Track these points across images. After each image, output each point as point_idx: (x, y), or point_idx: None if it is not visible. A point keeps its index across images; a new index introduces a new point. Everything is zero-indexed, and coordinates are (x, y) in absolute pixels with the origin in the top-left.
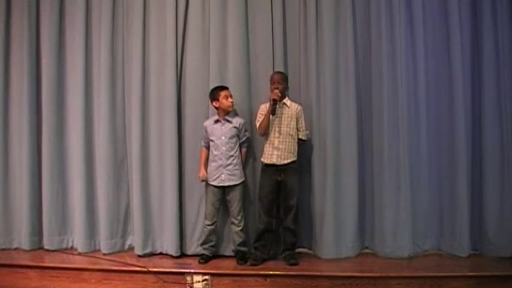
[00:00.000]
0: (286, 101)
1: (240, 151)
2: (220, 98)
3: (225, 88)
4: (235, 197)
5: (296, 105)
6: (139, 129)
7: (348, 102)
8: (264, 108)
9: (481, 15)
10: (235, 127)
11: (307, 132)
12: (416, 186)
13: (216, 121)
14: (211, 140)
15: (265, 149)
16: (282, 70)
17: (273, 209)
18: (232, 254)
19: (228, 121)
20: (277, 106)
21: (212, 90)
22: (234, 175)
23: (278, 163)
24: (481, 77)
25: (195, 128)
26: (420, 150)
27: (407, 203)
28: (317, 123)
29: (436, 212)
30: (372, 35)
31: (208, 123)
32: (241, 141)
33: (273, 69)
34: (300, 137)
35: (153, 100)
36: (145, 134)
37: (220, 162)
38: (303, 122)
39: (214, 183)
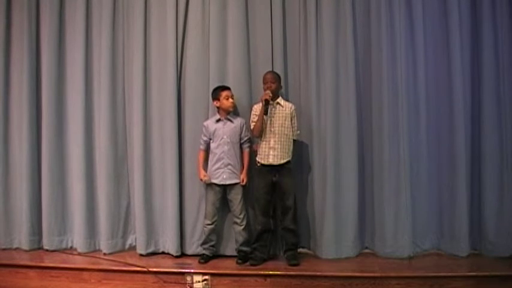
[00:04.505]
0: (280, 100)
1: (242, 151)
2: (221, 98)
3: (226, 88)
4: (236, 196)
5: (290, 104)
6: (140, 129)
7: (348, 102)
8: (257, 108)
9: (481, 15)
10: (237, 127)
11: (298, 132)
12: (416, 186)
13: (218, 120)
14: (213, 140)
15: (260, 149)
16: (281, 70)
17: (270, 209)
18: (232, 253)
19: (230, 120)
20: (271, 106)
21: (214, 90)
22: (235, 174)
23: (275, 163)
24: (481, 77)
25: (195, 128)
26: (420, 150)
27: (407, 203)
28: (317, 123)
29: (435, 212)
30: (372, 35)
31: (210, 122)
32: (242, 141)
33: (273, 69)
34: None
35: (154, 100)
36: (146, 134)
37: (221, 161)
38: (296, 121)
39: (216, 182)
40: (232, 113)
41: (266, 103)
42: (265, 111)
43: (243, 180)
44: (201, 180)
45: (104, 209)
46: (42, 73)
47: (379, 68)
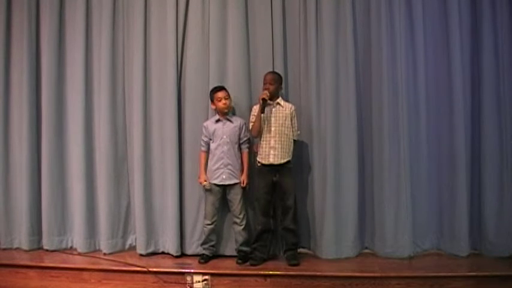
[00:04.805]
0: (280, 100)
1: (241, 151)
2: (215, 100)
3: (220, 89)
4: (236, 196)
5: (290, 104)
6: (140, 129)
7: (348, 102)
8: (256, 109)
9: (481, 15)
10: (236, 127)
11: (299, 132)
12: (416, 186)
13: (217, 120)
14: (212, 140)
15: (261, 149)
16: (281, 70)
17: (270, 209)
18: (232, 253)
19: (229, 121)
20: (271, 106)
21: (210, 91)
22: (234, 174)
23: (275, 163)
24: (481, 77)
25: (195, 128)
26: (420, 150)
27: (407, 203)
28: (317, 123)
29: (435, 211)
30: (372, 34)
31: (209, 122)
32: (241, 142)
33: (273, 69)
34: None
35: (154, 100)
36: (146, 134)
37: (221, 161)
38: (296, 122)
39: (215, 182)
40: (230, 113)
41: (263, 102)
42: (262, 110)
43: (243, 182)
44: (200, 183)
45: (104, 209)
46: (42, 73)
47: (379, 68)
